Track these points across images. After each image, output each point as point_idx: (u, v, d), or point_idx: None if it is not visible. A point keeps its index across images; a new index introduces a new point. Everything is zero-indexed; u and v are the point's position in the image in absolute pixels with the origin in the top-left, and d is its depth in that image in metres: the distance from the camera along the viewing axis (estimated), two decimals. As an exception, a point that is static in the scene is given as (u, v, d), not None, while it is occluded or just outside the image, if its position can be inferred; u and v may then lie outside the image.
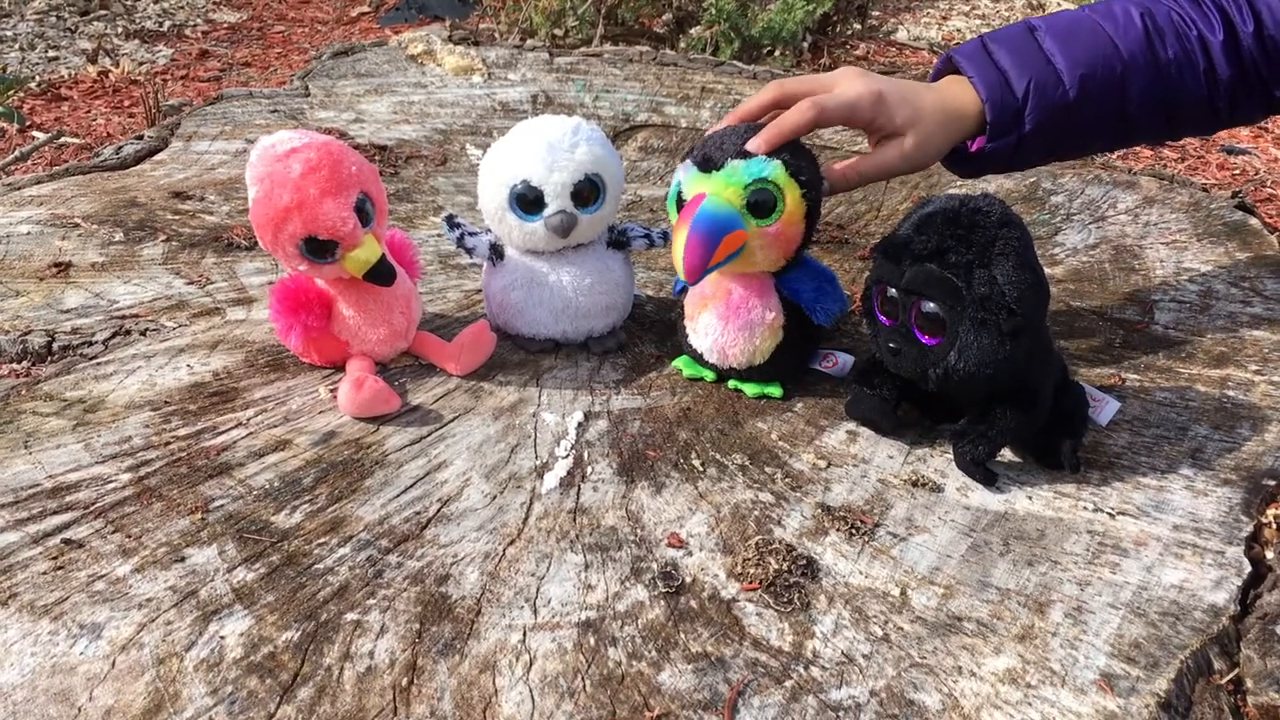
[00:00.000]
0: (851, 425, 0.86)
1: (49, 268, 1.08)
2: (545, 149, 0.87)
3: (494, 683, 0.60)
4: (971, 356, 0.73)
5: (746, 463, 0.81)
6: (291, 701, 0.58)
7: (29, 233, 1.16)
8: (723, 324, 0.87)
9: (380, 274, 0.84)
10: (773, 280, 0.87)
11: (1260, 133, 2.28)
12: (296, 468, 0.78)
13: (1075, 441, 0.80)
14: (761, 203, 0.81)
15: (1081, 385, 0.84)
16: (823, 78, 0.87)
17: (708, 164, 0.82)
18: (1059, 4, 3.61)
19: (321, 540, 0.71)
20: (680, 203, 0.84)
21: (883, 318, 0.79)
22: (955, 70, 0.90)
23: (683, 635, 0.64)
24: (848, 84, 0.85)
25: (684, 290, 0.92)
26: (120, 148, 1.47)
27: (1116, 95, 0.86)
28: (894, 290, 0.77)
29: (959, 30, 3.30)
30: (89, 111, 2.28)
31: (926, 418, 0.87)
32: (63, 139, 2.02)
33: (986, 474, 0.79)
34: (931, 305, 0.75)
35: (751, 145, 0.81)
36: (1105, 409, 0.86)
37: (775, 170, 0.80)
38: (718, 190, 0.80)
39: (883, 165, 0.87)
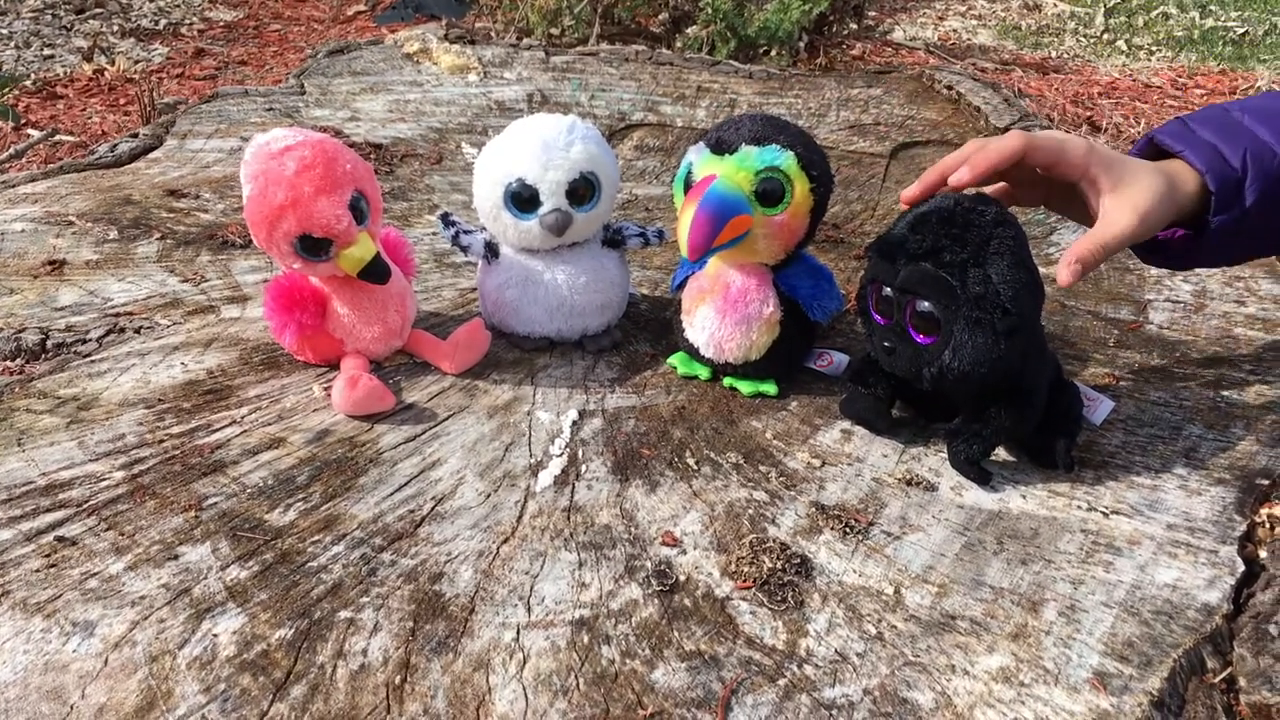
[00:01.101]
0: (846, 424, 0.86)
1: (43, 265, 1.08)
2: (540, 147, 0.87)
3: (487, 681, 0.60)
4: (966, 355, 0.73)
5: (741, 461, 0.81)
6: (284, 699, 0.58)
7: (23, 230, 1.16)
8: (720, 317, 0.87)
9: (375, 272, 0.83)
10: (771, 275, 0.87)
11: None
12: (290, 466, 0.78)
13: (1069, 441, 0.80)
14: (770, 191, 0.81)
15: (1076, 385, 0.84)
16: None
17: (721, 147, 0.82)
18: (1054, 6, 3.62)
19: (315, 538, 0.70)
20: (689, 184, 0.84)
21: (878, 316, 0.79)
22: (1159, 153, 0.85)
23: (676, 633, 0.64)
24: (1056, 131, 0.81)
25: (681, 286, 0.92)
26: (115, 145, 1.47)
27: None
28: (889, 289, 0.77)
29: (955, 30, 3.30)
30: (84, 109, 2.27)
31: (921, 417, 0.87)
32: (57, 137, 2.02)
33: (981, 473, 0.79)
34: (926, 304, 0.75)
35: (955, 178, 0.78)
36: (1100, 408, 0.86)
37: (787, 160, 0.80)
38: (729, 173, 0.80)
39: (1119, 230, 0.78)
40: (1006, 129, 1.58)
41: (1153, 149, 0.85)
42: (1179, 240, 0.85)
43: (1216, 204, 0.80)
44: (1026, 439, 0.82)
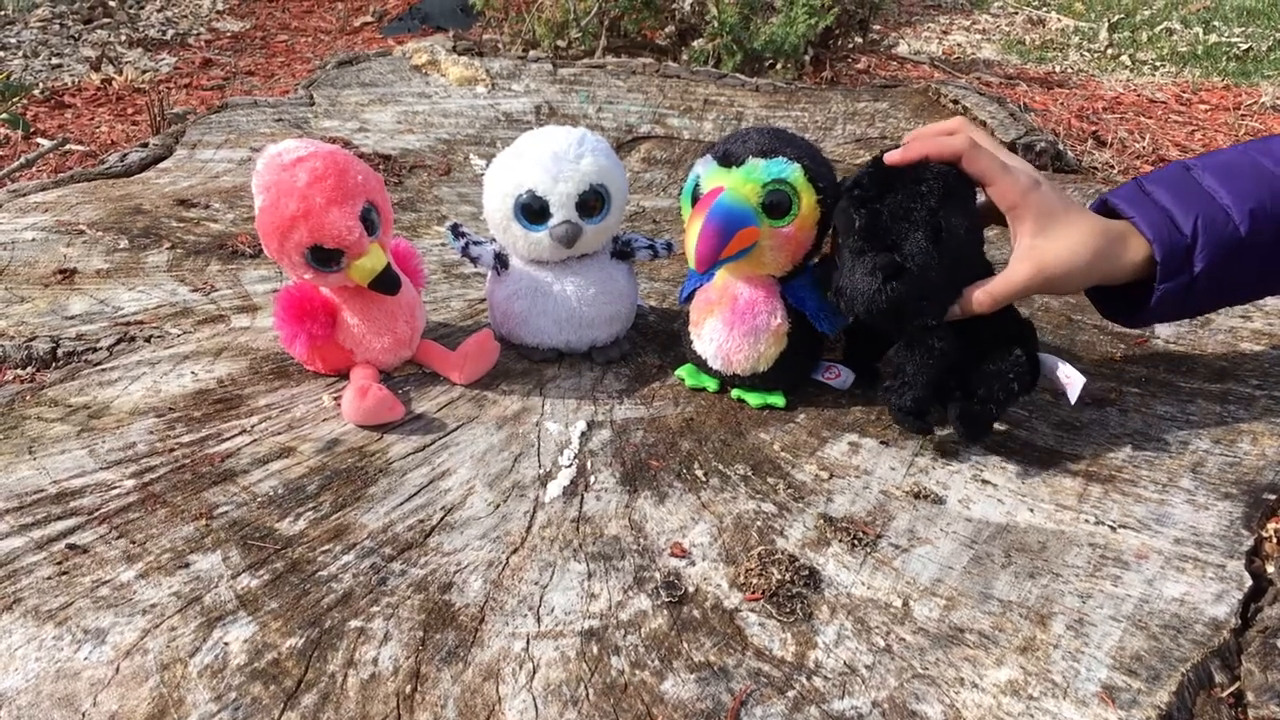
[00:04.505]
0: (854, 436, 0.86)
1: (54, 274, 1.09)
2: (551, 159, 0.87)
3: (497, 691, 0.60)
4: (848, 284, 0.79)
5: (749, 473, 0.81)
6: (295, 708, 0.58)
7: (34, 239, 1.16)
8: (728, 329, 0.87)
9: (385, 283, 0.84)
10: (779, 287, 0.87)
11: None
12: (300, 475, 0.78)
13: (984, 409, 0.81)
14: (777, 203, 0.81)
15: (1052, 361, 0.84)
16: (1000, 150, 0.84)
17: (728, 159, 0.83)
18: (1058, 21, 3.63)
19: (325, 547, 0.71)
20: (697, 196, 0.84)
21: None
22: (1113, 214, 0.84)
23: (685, 645, 0.64)
24: (1013, 156, 0.82)
25: (689, 298, 0.93)
26: (125, 155, 1.48)
27: None
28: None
29: (959, 45, 3.31)
30: (92, 119, 2.28)
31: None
32: (68, 146, 2.03)
33: (917, 423, 0.82)
34: (839, 235, 0.81)
35: (887, 157, 0.80)
36: (1074, 385, 0.84)
37: (794, 172, 0.81)
38: (736, 186, 0.81)
39: (1014, 284, 0.80)
40: (1013, 144, 1.58)
41: (1108, 208, 0.85)
42: (1130, 299, 0.86)
43: (1162, 273, 0.81)
44: (958, 401, 0.83)
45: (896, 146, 0.81)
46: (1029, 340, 0.84)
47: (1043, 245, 0.79)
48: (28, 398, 0.87)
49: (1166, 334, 1.05)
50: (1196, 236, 0.80)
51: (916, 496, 0.79)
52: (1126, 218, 0.82)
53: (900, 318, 0.79)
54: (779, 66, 2.41)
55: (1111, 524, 0.76)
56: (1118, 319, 0.89)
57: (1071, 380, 0.83)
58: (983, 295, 0.80)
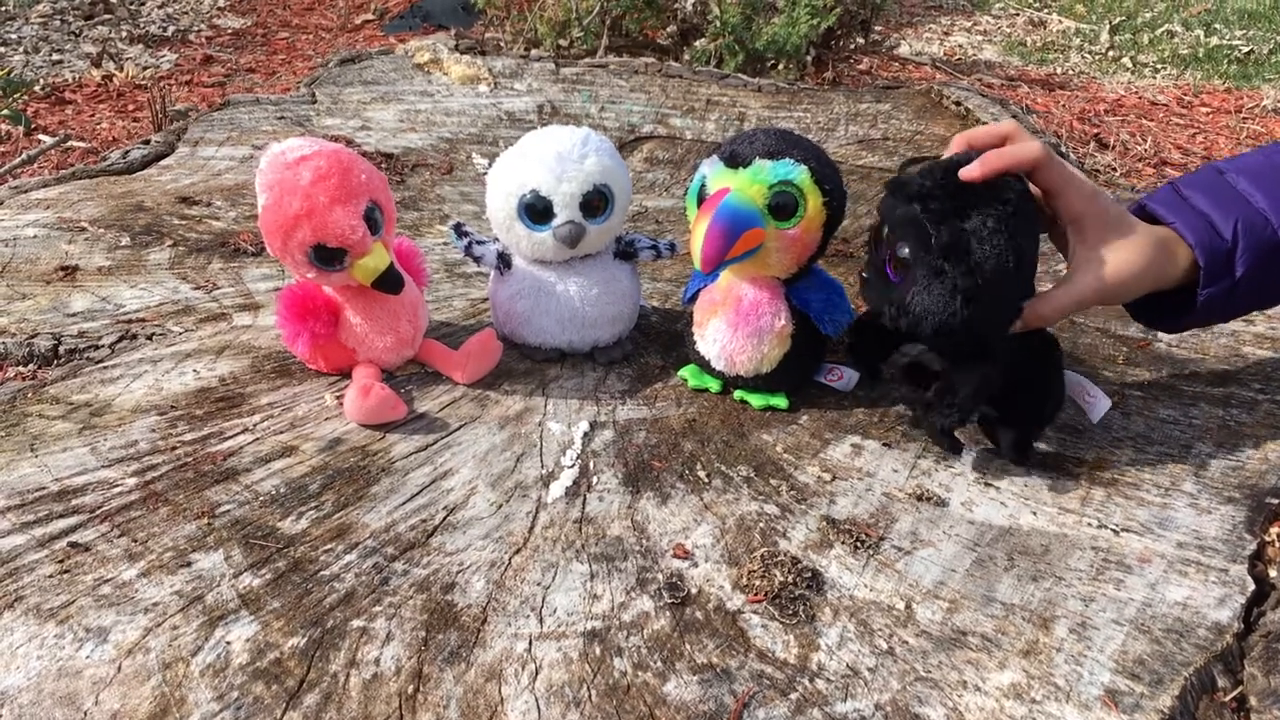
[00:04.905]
0: (856, 438, 0.86)
1: (55, 271, 1.09)
2: (555, 159, 0.87)
3: (500, 691, 0.60)
4: (919, 303, 0.74)
5: (752, 474, 0.81)
6: (297, 708, 0.58)
7: (35, 236, 1.16)
8: (732, 330, 0.87)
9: (388, 282, 0.84)
10: (783, 289, 0.87)
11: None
12: (303, 474, 0.78)
13: (1025, 433, 0.81)
14: (783, 205, 0.81)
15: (1081, 380, 0.84)
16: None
17: (735, 160, 0.82)
18: (1060, 22, 3.63)
19: (327, 547, 0.71)
20: (703, 197, 0.84)
21: (876, 249, 0.81)
22: (1150, 219, 0.83)
23: (688, 646, 0.64)
24: (1075, 170, 0.81)
25: (693, 299, 0.93)
26: (127, 152, 1.48)
27: None
28: (886, 227, 0.79)
29: (960, 46, 3.31)
30: (93, 115, 2.28)
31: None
32: (69, 142, 2.02)
33: (952, 443, 0.81)
34: (905, 247, 0.75)
35: (964, 173, 0.76)
36: (1098, 405, 0.85)
37: (801, 175, 0.81)
38: (742, 187, 0.81)
39: (1076, 296, 0.79)
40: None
41: (1145, 213, 0.85)
42: (1169, 306, 0.85)
43: (1205, 278, 0.80)
44: (999, 426, 0.83)
45: (969, 159, 0.77)
46: (1056, 356, 0.83)
47: (1102, 257, 0.79)
48: (29, 395, 0.86)
49: (1169, 338, 1.05)
50: (1237, 240, 0.80)
51: (919, 499, 0.79)
52: (1166, 223, 0.82)
53: (968, 339, 0.77)
54: (781, 67, 2.40)
55: (1114, 527, 0.76)
56: (1156, 325, 0.89)
57: (1097, 400, 0.84)
58: (1046, 309, 0.80)
